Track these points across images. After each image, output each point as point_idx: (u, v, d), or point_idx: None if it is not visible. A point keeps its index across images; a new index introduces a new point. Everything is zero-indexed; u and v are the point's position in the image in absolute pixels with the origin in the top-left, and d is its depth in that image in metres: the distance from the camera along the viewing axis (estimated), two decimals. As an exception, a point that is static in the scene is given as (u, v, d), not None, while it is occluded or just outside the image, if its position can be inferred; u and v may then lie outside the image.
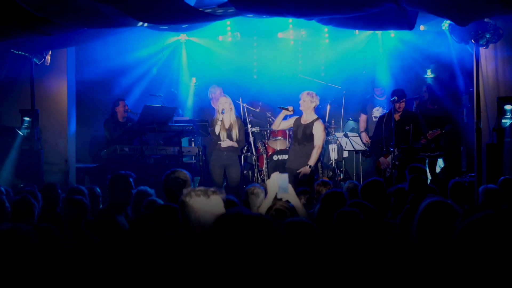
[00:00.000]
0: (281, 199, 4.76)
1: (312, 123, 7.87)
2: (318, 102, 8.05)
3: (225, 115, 8.21)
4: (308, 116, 7.94)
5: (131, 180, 4.88)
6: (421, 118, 9.13)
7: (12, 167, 8.14)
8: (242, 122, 8.51)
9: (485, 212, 2.22)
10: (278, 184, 4.68)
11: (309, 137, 7.84)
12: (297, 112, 8.20)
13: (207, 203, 3.07)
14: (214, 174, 8.31)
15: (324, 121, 9.65)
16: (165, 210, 3.81)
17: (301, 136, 7.90)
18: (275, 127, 8.41)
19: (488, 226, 2.17)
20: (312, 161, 7.73)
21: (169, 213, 3.74)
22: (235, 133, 8.24)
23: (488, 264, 2.11)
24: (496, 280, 2.09)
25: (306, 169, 7.70)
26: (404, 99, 8.54)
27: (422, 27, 9.39)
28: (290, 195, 4.70)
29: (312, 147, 7.79)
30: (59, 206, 5.56)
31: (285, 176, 4.71)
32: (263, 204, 4.76)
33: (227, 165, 8.29)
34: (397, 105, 8.46)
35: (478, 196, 7.38)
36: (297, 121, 8.02)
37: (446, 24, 8.96)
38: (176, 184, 4.47)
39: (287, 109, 8.02)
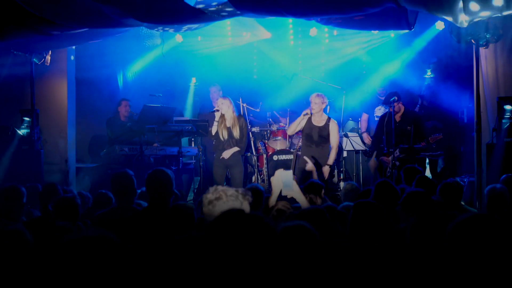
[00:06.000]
0: (285, 197, 4.76)
1: (327, 124, 8.07)
2: (327, 102, 8.27)
3: (226, 115, 8.10)
4: (320, 117, 8.10)
5: (133, 177, 4.74)
6: (423, 119, 9.12)
7: (11, 166, 8.12)
8: (245, 120, 8.32)
9: (472, 213, 2.24)
10: (283, 181, 4.68)
11: (326, 139, 8.07)
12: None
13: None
14: (217, 174, 8.20)
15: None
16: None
17: (318, 138, 8.06)
18: (290, 132, 8.56)
19: (475, 227, 2.20)
20: (331, 160, 8.01)
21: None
22: (235, 131, 8.11)
23: (477, 264, 2.14)
24: (484, 279, 2.11)
25: (326, 169, 7.93)
26: (400, 100, 8.52)
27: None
28: (295, 192, 4.69)
29: (328, 147, 8.03)
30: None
31: (289, 173, 4.72)
32: (268, 201, 4.73)
33: (230, 166, 8.18)
34: (396, 106, 8.43)
35: (476, 196, 7.42)
36: (309, 123, 8.13)
37: (441, 24, 8.98)
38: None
39: (308, 114, 8.09)
